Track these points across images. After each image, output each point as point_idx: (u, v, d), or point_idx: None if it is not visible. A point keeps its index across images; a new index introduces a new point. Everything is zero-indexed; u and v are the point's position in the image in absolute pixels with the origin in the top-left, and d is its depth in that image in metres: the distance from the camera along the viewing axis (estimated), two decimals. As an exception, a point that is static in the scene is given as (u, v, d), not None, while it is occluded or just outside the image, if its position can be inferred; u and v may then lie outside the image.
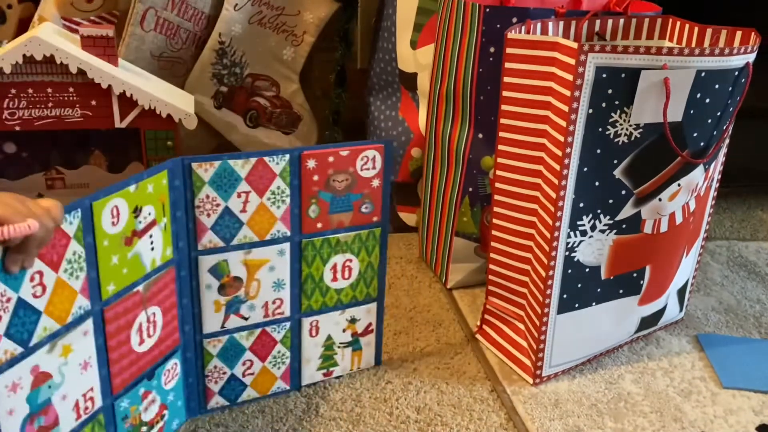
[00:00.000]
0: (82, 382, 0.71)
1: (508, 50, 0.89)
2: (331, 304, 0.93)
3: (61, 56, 0.95)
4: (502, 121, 0.93)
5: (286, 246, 0.87)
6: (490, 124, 1.10)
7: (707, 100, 0.87)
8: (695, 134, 0.89)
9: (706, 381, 1.00)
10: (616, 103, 0.83)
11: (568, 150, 0.84)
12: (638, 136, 0.86)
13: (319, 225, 0.88)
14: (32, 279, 0.63)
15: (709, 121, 0.89)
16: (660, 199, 0.92)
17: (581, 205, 0.89)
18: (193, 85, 1.40)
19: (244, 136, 1.47)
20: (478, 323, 1.08)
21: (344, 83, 1.49)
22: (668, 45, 1.05)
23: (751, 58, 0.88)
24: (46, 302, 0.65)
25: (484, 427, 0.90)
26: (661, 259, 0.99)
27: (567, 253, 0.91)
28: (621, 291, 0.99)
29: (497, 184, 0.97)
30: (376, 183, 0.90)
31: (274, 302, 0.89)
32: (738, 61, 0.86)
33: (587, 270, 0.94)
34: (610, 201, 0.90)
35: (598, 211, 0.90)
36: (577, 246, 0.91)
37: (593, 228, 0.91)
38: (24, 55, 0.94)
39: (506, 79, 0.91)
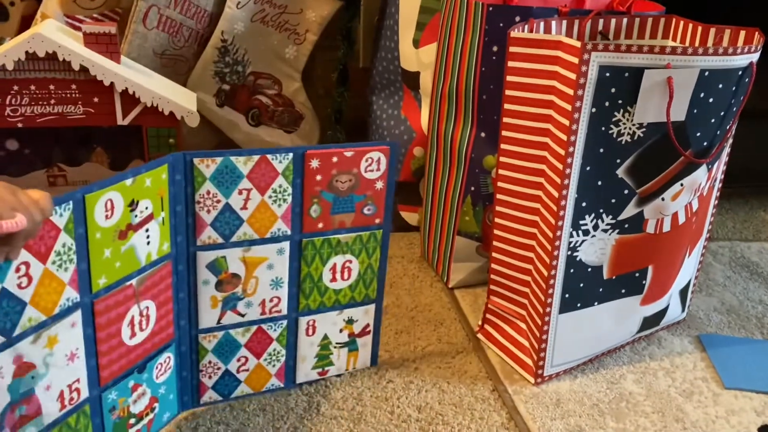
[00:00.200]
0: (68, 373, 0.71)
1: (511, 49, 0.89)
2: (329, 304, 0.93)
3: (64, 53, 0.95)
4: (505, 120, 0.93)
5: (286, 245, 0.87)
6: (492, 123, 1.10)
7: (710, 100, 0.87)
8: (698, 134, 0.89)
9: (708, 381, 1.00)
10: (620, 102, 0.83)
11: (570, 149, 0.84)
12: (641, 135, 0.86)
13: (320, 225, 0.88)
14: (18, 270, 0.63)
15: (713, 120, 0.89)
16: (663, 199, 0.92)
17: (584, 204, 0.89)
18: (195, 82, 1.40)
19: (246, 134, 1.47)
20: (480, 322, 1.08)
21: (346, 82, 1.49)
22: (671, 44, 1.04)
23: (754, 57, 0.88)
24: (32, 293, 0.65)
25: (486, 427, 0.90)
26: (663, 259, 0.99)
27: (569, 252, 0.91)
28: (623, 291, 0.98)
29: (499, 183, 0.97)
30: (379, 185, 0.89)
31: (271, 300, 0.89)
32: (741, 60, 0.86)
33: (589, 269, 0.94)
34: (613, 200, 0.90)
35: (601, 210, 0.90)
36: (580, 245, 0.91)
37: (596, 227, 0.91)
38: (27, 52, 0.94)
39: (509, 78, 0.91)
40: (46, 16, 1.28)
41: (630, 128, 0.85)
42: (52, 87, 0.97)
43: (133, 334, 0.78)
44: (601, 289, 0.96)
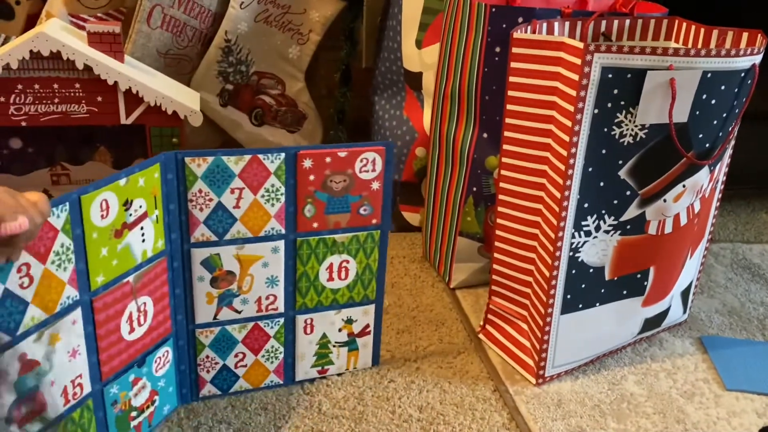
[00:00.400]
0: (71, 369, 0.72)
1: (514, 50, 0.89)
2: (326, 304, 0.93)
3: (68, 52, 0.95)
4: (507, 120, 0.93)
5: (281, 243, 0.87)
6: (494, 124, 1.10)
7: (713, 101, 0.87)
8: (701, 135, 0.89)
9: (710, 383, 1.00)
10: (622, 103, 0.83)
11: (573, 150, 0.84)
12: (643, 136, 0.86)
13: (315, 225, 0.88)
14: (19, 270, 0.64)
15: (715, 122, 0.89)
16: (665, 200, 0.92)
17: (586, 205, 0.89)
18: (198, 82, 1.40)
19: (249, 134, 1.47)
20: (481, 323, 1.08)
21: (349, 82, 1.49)
22: (674, 46, 1.05)
23: (757, 59, 0.88)
24: (33, 293, 0.66)
25: (487, 427, 0.90)
26: (665, 260, 0.99)
27: (571, 253, 0.91)
28: (625, 292, 0.98)
29: (502, 184, 0.97)
30: (376, 185, 0.89)
31: (267, 298, 0.89)
32: (744, 62, 0.86)
33: (591, 270, 0.94)
34: (615, 201, 0.90)
35: (603, 211, 0.90)
36: (582, 246, 0.91)
37: (597, 228, 0.91)
38: (31, 51, 0.94)
39: (512, 79, 0.91)
40: (50, 15, 1.28)
41: (632, 129, 0.85)
42: (55, 86, 0.98)
43: (132, 330, 0.79)
44: (602, 290, 0.96)
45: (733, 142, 0.99)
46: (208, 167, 0.80)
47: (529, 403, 0.94)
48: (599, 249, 0.93)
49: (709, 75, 0.84)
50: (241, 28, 1.38)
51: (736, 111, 0.91)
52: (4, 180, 1.06)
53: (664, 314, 1.06)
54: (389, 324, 1.10)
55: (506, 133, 0.94)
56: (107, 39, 0.99)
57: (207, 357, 0.90)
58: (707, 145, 0.91)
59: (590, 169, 0.86)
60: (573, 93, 0.82)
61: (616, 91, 0.82)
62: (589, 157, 0.85)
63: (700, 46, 1.00)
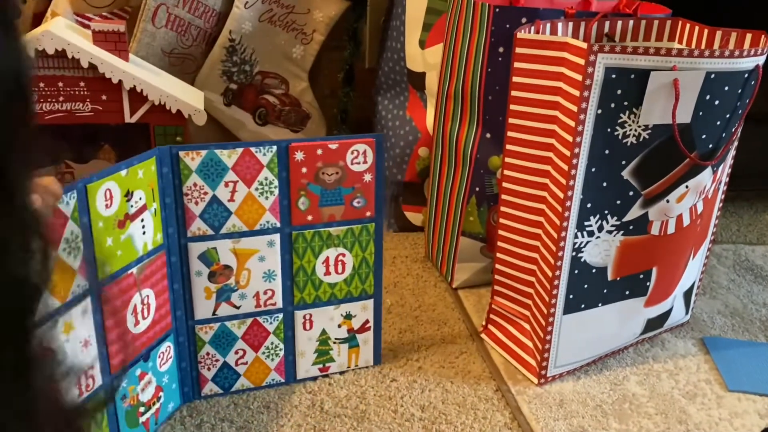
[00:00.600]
0: (84, 359, 0.73)
1: (518, 50, 0.90)
2: (324, 299, 0.94)
3: (73, 51, 0.96)
4: (511, 120, 0.93)
5: (276, 237, 0.88)
6: (498, 124, 1.10)
7: (716, 102, 0.87)
8: (704, 136, 0.89)
9: (712, 384, 1.00)
10: (625, 103, 0.83)
11: (576, 150, 0.84)
12: (647, 137, 0.86)
13: (309, 218, 0.89)
14: None
15: (718, 123, 0.89)
16: (668, 201, 0.92)
17: (589, 205, 0.89)
18: (202, 81, 1.40)
19: (252, 133, 1.47)
20: (484, 323, 1.08)
21: (352, 82, 1.50)
22: (678, 46, 1.05)
23: (760, 60, 0.88)
24: None
25: (489, 426, 0.90)
26: (667, 260, 0.99)
27: (574, 253, 0.91)
28: (627, 292, 0.98)
29: (504, 184, 0.97)
30: (368, 177, 0.89)
31: (265, 293, 0.90)
32: (747, 63, 0.86)
33: (594, 271, 0.94)
34: (618, 202, 0.90)
35: (606, 211, 0.90)
36: (584, 246, 0.91)
37: (600, 229, 0.91)
38: (36, 49, 0.94)
39: (515, 79, 0.91)
40: (56, 13, 1.28)
41: (635, 130, 0.85)
42: (60, 84, 0.98)
43: (137, 322, 0.80)
44: (605, 291, 0.96)
45: (736, 143, 0.99)
46: (201, 161, 0.81)
47: (531, 403, 0.94)
48: (602, 249, 0.93)
49: (712, 76, 0.84)
50: (246, 27, 1.39)
51: (740, 112, 0.91)
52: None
53: (666, 315, 1.06)
54: (391, 323, 1.10)
55: (509, 133, 0.94)
56: (112, 38, 1.00)
57: (207, 354, 0.90)
58: (710, 145, 0.91)
59: (593, 170, 0.86)
60: (576, 93, 0.82)
61: (619, 92, 0.82)
62: (592, 158, 0.85)
63: (703, 47, 1.00)
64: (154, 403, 0.85)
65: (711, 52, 0.83)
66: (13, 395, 0.33)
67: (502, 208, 0.98)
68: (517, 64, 0.90)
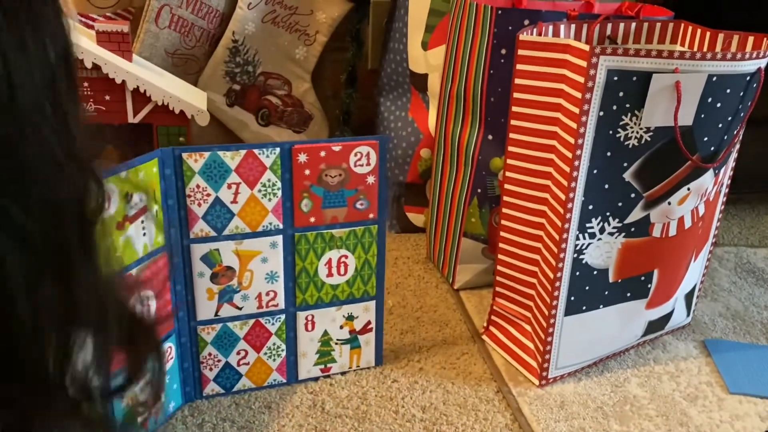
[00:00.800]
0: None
1: (520, 52, 0.90)
2: (326, 300, 0.94)
3: (77, 51, 0.96)
4: (513, 122, 0.93)
5: (279, 238, 0.88)
6: (500, 126, 1.10)
7: (718, 105, 0.87)
8: (705, 138, 0.89)
9: (713, 386, 1.00)
10: (627, 106, 0.83)
11: (578, 152, 0.85)
12: (648, 139, 0.86)
13: (312, 219, 0.89)
14: None
15: (720, 125, 0.89)
16: (669, 203, 0.92)
17: (590, 207, 0.89)
18: (205, 82, 1.41)
19: (255, 134, 1.47)
20: (485, 324, 1.08)
21: (355, 83, 1.50)
22: (680, 49, 1.05)
23: (763, 63, 0.88)
24: None
25: (490, 428, 0.90)
26: (669, 263, 0.99)
27: (575, 255, 0.91)
28: (628, 294, 0.99)
29: (506, 186, 0.97)
30: (371, 179, 0.90)
31: (267, 294, 0.90)
32: (750, 66, 0.86)
33: (595, 272, 0.94)
34: (620, 204, 0.90)
35: (607, 213, 0.90)
36: (586, 248, 0.91)
37: (602, 230, 0.91)
38: (40, 50, 0.95)
39: (517, 81, 0.91)
40: (59, 14, 1.29)
41: (637, 132, 0.85)
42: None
43: None
44: (606, 292, 0.96)
45: (738, 146, 0.99)
46: (204, 162, 0.81)
47: (532, 405, 0.94)
48: (603, 251, 0.93)
49: (714, 78, 0.84)
50: (249, 28, 1.39)
51: (742, 114, 0.91)
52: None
53: (667, 317, 1.06)
54: (393, 324, 1.11)
55: (511, 135, 0.94)
56: (116, 38, 1.00)
57: (209, 354, 0.90)
58: (712, 148, 0.91)
59: (595, 171, 0.87)
60: (578, 95, 0.83)
61: (621, 94, 0.82)
62: (593, 159, 0.86)
63: (705, 49, 1.00)
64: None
65: (713, 55, 0.83)
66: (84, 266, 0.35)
67: (504, 210, 0.98)
68: (519, 66, 0.90)
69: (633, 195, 0.90)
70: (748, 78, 0.87)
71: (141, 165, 0.77)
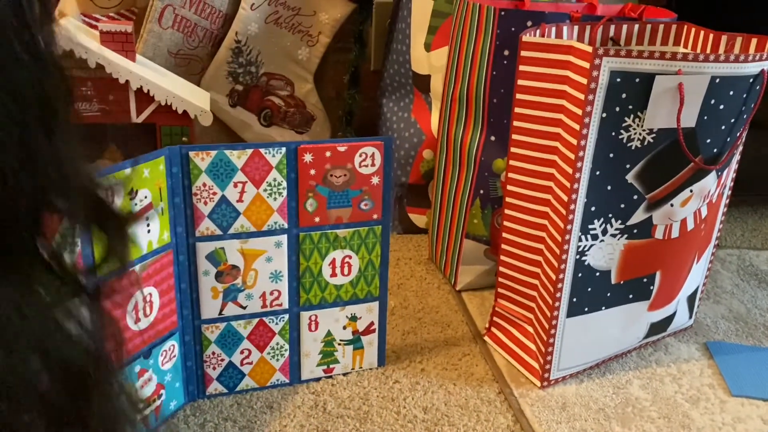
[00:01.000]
0: None
1: (523, 53, 0.90)
2: (330, 300, 0.94)
3: (80, 51, 0.96)
4: (515, 123, 0.93)
5: (283, 238, 0.88)
6: (502, 127, 1.10)
7: (721, 107, 0.87)
8: (708, 140, 0.89)
9: (715, 388, 1.00)
10: (630, 107, 0.83)
11: (580, 153, 0.85)
12: (651, 141, 0.86)
13: (316, 219, 0.89)
14: None
15: (723, 127, 0.89)
16: (672, 205, 0.92)
17: (593, 208, 0.89)
18: (208, 82, 1.41)
19: (258, 134, 1.48)
20: (487, 325, 1.08)
21: (358, 84, 1.50)
22: (683, 51, 1.05)
23: (766, 65, 0.88)
24: None
25: (491, 429, 0.90)
26: (671, 265, 0.99)
27: (578, 256, 0.91)
28: (631, 296, 0.99)
29: (509, 187, 0.97)
30: (375, 180, 0.90)
31: (271, 293, 0.90)
32: (753, 68, 0.86)
33: (597, 274, 0.94)
34: (622, 205, 0.90)
35: (610, 215, 0.90)
36: (588, 250, 0.91)
37: (604, 232, 0.91)
38: (44, 49, 0.95)
39: (520, 82, 0.91)
40: (63, 14, 1.29)
41: (640, 134, 0.85)
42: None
43: (138, 320, 0.80)
44: (608, 294, 0.96)
45: (741, 148, 0.99)
46: (211, 161, 0.81)
47: (534, 406, 0.94)
48: (606, 253, 0.93)
49: (717, 80, 0.84)
50: (252, 29, 1.39)
51: (745, 116, 0.91)
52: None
53: (669, 319, 1.06)
54: (395, 325, 1.11)
55: (514, 136, 0.94)
56: (119, 38, 1.00)
57: (213, 353, 0.90)
58: (715, 150, 0.91)
59: (597, 173, 0.87)
60: (581, 96, 0.83)
61: (624, 95, 0.82)
62: (596, 161, 0.86)
63: (708, 51, 1.00)
64: (154, 401, 0.85)
65: (716, 57, 0.83)
66: None
67: (506, 211, 0.98)
68: (522, 67, 0.90)
69: (635, 197, 0.90)
70: (751, 80, 0.87)
71: (145, 162, 0.77)
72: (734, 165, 1.01)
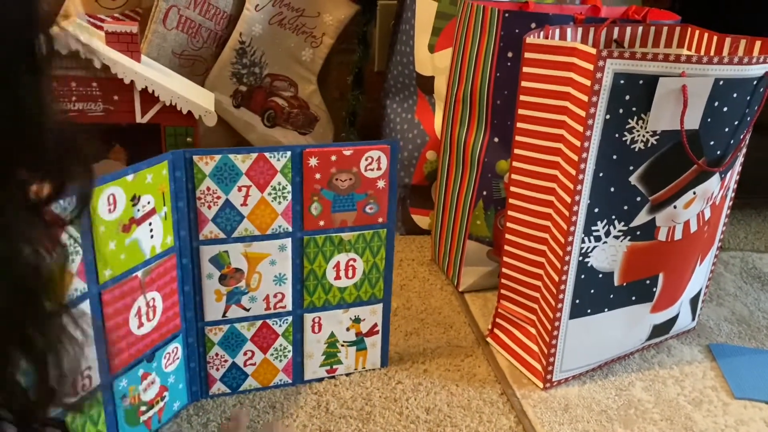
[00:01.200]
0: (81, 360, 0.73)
1: (527, 55, 0.90)
2: (334, 302, 0.94)
3: (85, 51, 0.96)
4: (519, 125, 0.93)
5: (288, 241, 0.88)
6: (506, 128, 1.11)
7: (725, 109, 0.87)
8: (712, 143, 0.89)
9: (718, 391, 1.00)
10: (634, 109, 0.84)
11: (584, 155, 0.85)
12: (655, 142, 0.86)
13: (321, 223, 0.89)
14: None
15: (726, 129, 0.89)
16: (675, 207, 0.93)
17: (596, 210, 0.89)
18: (212, 83, 1.41)
19: (261, 135, 1.48)
20: (490, 326, 1.08)
21: (361, 85, 1.50)
22: (687, 53, 1.05)
23: (770, 67, 0.88)
24: None
25: (494, 430, 0.90)
26: (674, 267, 0.99)
27: (580, 258, 0.91)
28: (634, 298, 0.99)
29: (512, 188, 0.97)
30: (381, 184, 0.90)
31: (275, 296, 0.90)
32: (757, 70, 0.86)
33: (600, 276, 0.94)
34: (625, 207, 0.90)
35: (613, 216, 0.90)
36: (591, 251, 0.92)
37: (607, 234, 0.91)
38: (49, 50, 0.95)
39: (524, 84, 0.91)
40: (68, 15, 1.30)
41: (643, 135, 0.86)
42: (73, 84, 0.99)
43: (141, 324, 0.80)
44: (611, 296, 0.96)
45: (744, 150, 0.99)
46: (215, 165, 0.81)
47: (536, 407, 0.94)
48: (609, 254, 0.93)
49: (721, 82, 0.84)
50: (256, 30, 1.39)
51: (748, 119, 0.91)
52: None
53: (672, 321, 1.06)
54: (397, 326, 1.11)
55: (517, 138, 0.94)
56: (125, 39, 1.01)
57: (216, 354, 0.91)
58: (718, 152, 0.91)
59: (601, 175, 0.87)
60: (585, 98, 0.83)
61: (627, 97, 0.83)
62: (600, 163, 0.86)
63: (712, 53, 1.00)
64: (157, 402, 0.86)
65: (720, 59, 0.83)
66: None
67: (509, 212, 0.99)
68: (525, 69, 0.91)
69: (639, 198, 0.90)
70: (755, 82, 0.87)
71: (148, 168, 0.77)
72: (738, 167, 1.01)
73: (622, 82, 0.81)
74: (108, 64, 0.98)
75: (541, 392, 0.97)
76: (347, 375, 0.99)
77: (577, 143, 0.85)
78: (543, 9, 1.09)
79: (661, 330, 1.06)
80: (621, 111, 0.83)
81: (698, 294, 1.11)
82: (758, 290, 1.28)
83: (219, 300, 0.88)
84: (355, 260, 0.92)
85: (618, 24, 1.05)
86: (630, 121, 0.84)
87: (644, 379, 1.02)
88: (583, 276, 0.93)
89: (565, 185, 0.89)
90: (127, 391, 0.81)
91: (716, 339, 1.13)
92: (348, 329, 0.96)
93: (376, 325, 0.98)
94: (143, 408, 0.84)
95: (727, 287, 1.29)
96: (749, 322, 1.18)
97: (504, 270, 1.02)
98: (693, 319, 1.12)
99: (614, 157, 0.86)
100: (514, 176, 0.96)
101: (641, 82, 0.82)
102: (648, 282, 0.98)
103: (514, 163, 0.96)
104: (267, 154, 0.83)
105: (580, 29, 1.03)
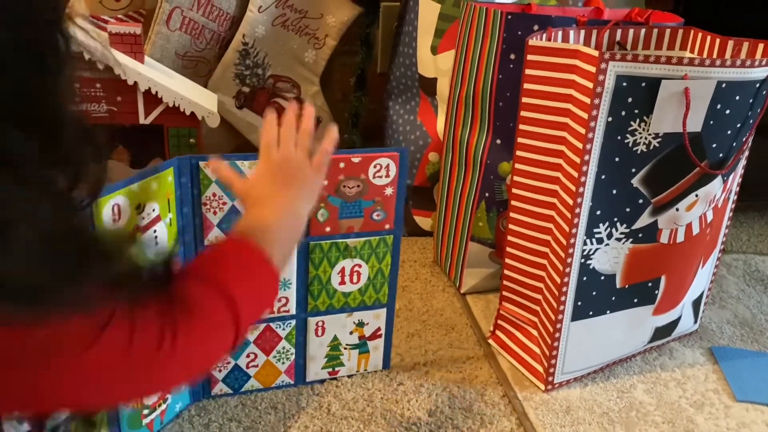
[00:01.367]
0: None
1: (529, 57, 0.90)
2: (338, 307, 0.94)
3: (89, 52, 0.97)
4: (521, 127, 0.93)
5: None
6: (508, 130, 1.11)
7: (727, 112, 0.87)
8: (714, 145, 0.89)
9: (720, 393, 1.00)
10: (636, 111, 0.84)
11: (586, 157, 0.85)
12: (657, 145, 0.86)
13: (327, 229, 0.89)
14: None
15: (729, 132, 0.89)
16: (677, 209, 0.92)
17: (598, 212, 0.89)
18: (215, 84, 1.42)
19: (263, 136, 1.48)
20: (491, 328, 1.08)
21: (364, 87, 1.50)
22: (689, 55, 1.05)
23: (772, 70, 0.88)
24: None
25: None
26: (676, 269, 0.99)
27: (582, 260, 0.91)
28: (635, 300, 0.98)
29: (514, 190, 0.97)
30: (389, 191, 0.90)
31: (279, 300, 0.90)
32: (759, 73, 0.86)
33: (602, 278, 0.94)
34: (627, 209, 0.90)
35: (615, 219, 0.90)
36: (593, 254, 0.91)
37: (609, 236, 0.91)
38: (53, 51, 0.96)
39: (526, 86, 0.91)
40: (74, 14, 1.30)
41: (646, 138, 0.85)
42: (77, 85, 0.99)
43: None
44: (613, 298, 0.96)
45: (747, 153, 0.99)
46: None
47: (538, 410, 0.94)
48: (611, 256, 0.93)
49: (723, 85, 0.84)
50: (259, 31, 1.40)
51: (751, 121, 0.91)
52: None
53: (674, 323, 1.06)
54: (399, 328, 1.11)
55: (519, 139, 0.94)
56: (128, 40, 1.01)
57: None
58: (721, 155, 0.91)
59: (603, 177, 0.87)
60: (587, 100, 0.83)
61: (630, 100, 0.83)
62: (602, 165, 0.86)
63: (715, 56, 1.00)
64: (159, 405, 0.86)
65: (722, 62, 0.83)
66: None
67: (512, 214, 0.99)
68: (528, 71, 0.91)
69: (641, 201, 0.90)
70: (757, 85, 0.87)
71: (153, 176, 0.76)
72: (740, 170, 1.01)
73: (624, 84, 0.81)
74: (111, 65, 0.98)
75: (542, 394, 0.97)
76: (349, 376, 0.99)
77: (580, 145, 0.85)
78: (546, 11, 1.09)
79: (663, 332, 1.05)
80: (623, 113, 0.83)
81: (700, 296, 1.10)
82: (761, 293, 1.28)
83: None
84: (360, 266, 0.92)
85: (621, 26, 1.05)
86: (632, 123, 0.84)
87: (646, 381, 1.02)
88: (585, 278, 0.92)
89: (567, 187, 0.89)
90: None
91: (718, 342, 1.13)
92: (351, 333, 0.96)
93: (379, 328, 0.98)
94: (145, 411, 0.84)
95: (730, 290, 1.29)
96: (752, 325, 1.18)
97: (506, 272, 1.02)
98: (695, 321, 1.12)
99: (616, 159, 0.86)
100: (516, 178, 0.96)
101: (644, 84, 0.82)
102: (650, 284, 0.98)
103: (516, 165, 0.96)
104: None
105: (582, 31, 1.03)
